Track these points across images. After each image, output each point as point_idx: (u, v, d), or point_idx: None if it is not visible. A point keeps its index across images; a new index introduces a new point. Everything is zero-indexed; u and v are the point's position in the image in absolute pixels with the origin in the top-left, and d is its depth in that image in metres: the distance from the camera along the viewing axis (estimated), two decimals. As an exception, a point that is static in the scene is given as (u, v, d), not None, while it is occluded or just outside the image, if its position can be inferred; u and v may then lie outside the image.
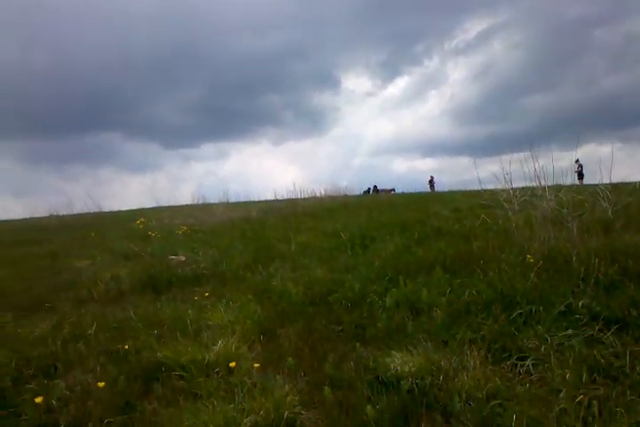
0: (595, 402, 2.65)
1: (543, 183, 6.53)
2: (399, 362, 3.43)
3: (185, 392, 3.34)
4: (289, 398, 3.05)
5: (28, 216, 20.39)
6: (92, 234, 12.10)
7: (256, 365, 3.55)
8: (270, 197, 21.60)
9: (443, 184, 31.53)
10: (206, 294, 5.70)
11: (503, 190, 6.99)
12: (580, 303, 3.96)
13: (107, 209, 19.96)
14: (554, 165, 6.42)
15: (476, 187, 9.31)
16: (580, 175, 19.01)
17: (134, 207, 23.28)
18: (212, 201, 20.44)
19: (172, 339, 4.19)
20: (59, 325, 4.91)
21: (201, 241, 9.93)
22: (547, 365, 3.22)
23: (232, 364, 3.54)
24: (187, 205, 20.74)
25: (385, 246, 7.17)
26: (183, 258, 7.95)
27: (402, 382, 3.15)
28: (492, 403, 2.83)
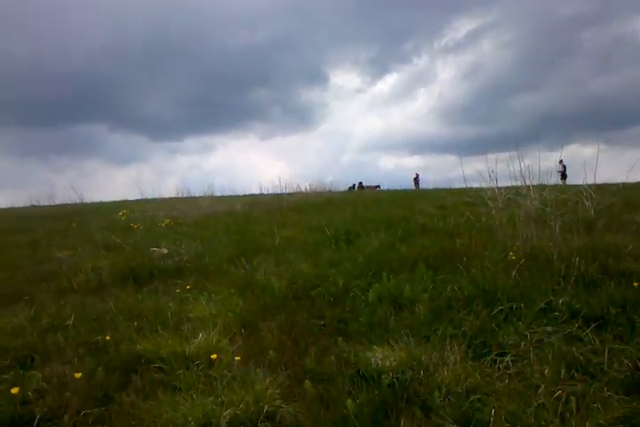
0: (572, 398, 2.67)
1: (528, 182, 6.58)
2: (380, 357, 3.43)
3: (164, 385, 3.30)
4: (269, 392, 3.03)
5: (9, 206, 20.13)
6: (74, 225, 11.96)
7: (237, 358, 3.53)
8: (256, 191, 21.59)
9: (428, 182, 31.67)
10: (188, 286, 5.65)
11: (488, 189, 7.02)
12: (561, 301, 4.01)
13: (89, 200, 19.75)
14: (540, 164, 6.49)
15: (462, 185, 9.37)
16: (563, 175, 19.23)
17: (118, 199, 23.10)
18: (196, 194, 20.38)
19: (153, 331, 4.15)
20: (37, 315, 4.84)
21: (184, 234, 9.85)
22: (526, 361, 3.25)
23: (213, 356, 3.52)
24: (171, 198, 20.59)
25: (369, 242, 7.17)
26: (165, 250, 7.87)
27: (382, 377, 3.15)
28: (472, 398, 2.84)
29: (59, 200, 18.65)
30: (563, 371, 3.01)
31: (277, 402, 2.98)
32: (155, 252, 7.79)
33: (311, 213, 11.96)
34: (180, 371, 3.41)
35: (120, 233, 9.53)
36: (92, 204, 19.47)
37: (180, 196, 20.90)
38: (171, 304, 4.97)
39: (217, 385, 3.15)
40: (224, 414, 2.80)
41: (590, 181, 6.50)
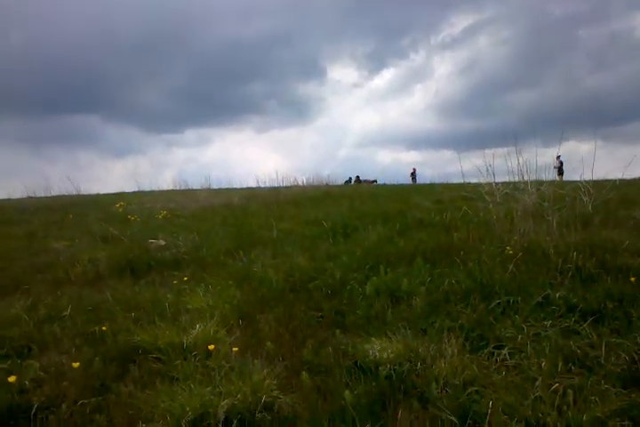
0: (570, 391, 2.69)
1: (526, 178, 6.58)
2: (378, 349, 3.44)
3: (162, 375, 3.31)
4: (267, 383, 3.04)
5: (5, 197, 20.03)
6: (71, 216, 11.91)
7: (234, 349, 3.53)
8: (253, 184, 21.54)
9: (425, 177, 31.66)
10: (185, 278, 5.64)
11: (485, 183, 7.03)
12: (558, 295, 4.03)
13: (86, 192, 19.67)
14: (537, 160, 6.50)
15: (459, 180, 9.37)
16: (560, 171, 19.24)
17: (115, 191, 23.01)
18: (194, 187, 20.29)
19: (150, 322, 4.15)
20: (34, 306, 4.83)
21: (181, 226, 9.83)
22: (523, 354, 3.26)
23: (210, 347, 3.52)
24: (168, 191, 20.51)
25: (367, 236, 7.17)
26: (163, 242, 7.86)
27: (380, 369, 3.16)
28: (469, 390, 2.86)
29: (55, 192, 18.55)
30: (560, 364, 3.03)
31: (275, 393, 2.98)
32: (152, 244, 7.77)
33: (308, 207, 11.95)
34: (178, 361, 3.41)
35: (117, 225, 9.50)
36: (89, 195, 19.38)
37: (177, 188, 20.83)
38: (168, 296, 4.96)
39: (215, 376, 3.15)
40: (222, 404, 2.80)
41: (587, 177, 6.52)
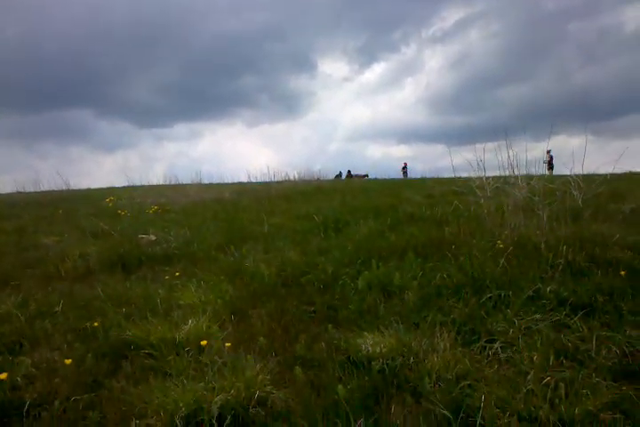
0: (561, 384, 2.71)
1: (516, 172, 6.60)
2: (370, 343, 3.45)
3: (154, 371, 3.30)
4: (260, 378, 3.04)
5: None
6: (60, 211, 11.83)
7: (227, 344, 3.52)
8: (244, 179, 21.52)
9: (416, 171, 31.70)
10: (177, 273, 5.63)
11: (476, 178, 7.04)
12: (549, 289, 4.06)
13: (76, 187, 19.52)
14: (527, 154, 6.52)
15: (450, 174, 9.37)
16: (551, 166, 19.33)
17: (105, 186, 22.87)
18: (184, 181, 20.24)
19: (142, 318, 4.13)
20: (25, 301, 4.80)
21: (172, 221, 9.79)
22: (515, 348, 3.29)
23: (203, 342, 3.52)
24: (159, 185, 20.41)
25: (358, 230, 7.18)
26: (153, 237, 7.82)
27: (373, 363, 3.17)
28: (462, 384, 2.87)
29: (45, 186, 18.42)
30: (551, 358, 3.05)
31: (268, 388, 2.98)
32: (143, 239, 7.74)
33: (299, 202, 11.93)
34: (171, 357, 3.40)
35: (107, 220, 9.44)
36: (79, 190, 19.22)
37: (167, 183, 20.75)
38: (160, 291, 4.94)
39: (207, 371, 3.14)
40: (215, 399, 2.80)
41: (577, 171, 6.55)
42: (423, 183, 15.72)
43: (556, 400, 2.60)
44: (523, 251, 5.01)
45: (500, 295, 4.07)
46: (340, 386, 2.92)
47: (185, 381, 3.02)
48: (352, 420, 2.63)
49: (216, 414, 2.72)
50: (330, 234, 7.19)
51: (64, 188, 17.67)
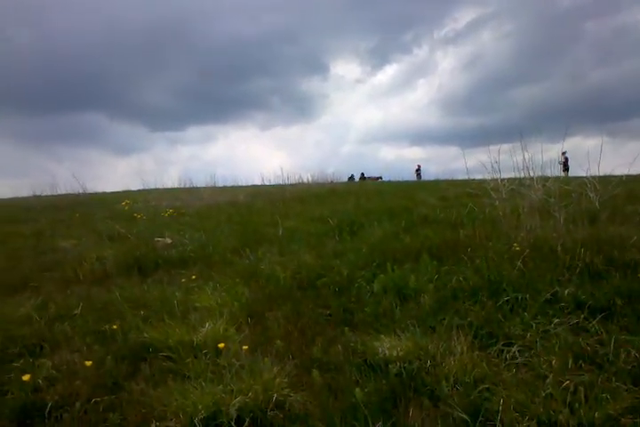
0: (580, 388, 2.69)
1: (531, 174, 6.58)
2: (387, 346, 3.45)
3: (173, 373, 3.32)
4: (277, 381, 3.05)
5: (12, 196, 20.09)
6: (77, 215, 11.96)
7: (244, 347, 3.54)
8: (258, 181, 21.60)
9: (430, 173, 31.66)
10: (193, 276, 5.67)
11: (491, 180, 7.02)
12: (566, 292, 4.03)
13: (92, 190, 19.70)
14: (542, 156, 6.49)
15: (463, 176, 9.34)
16: (566, 167, 19.18)
17: (120, 189, 23.08)
18: (198, 185, 20.31)
19: (159, 320, 4.17)
20: (44, 304, 4.87)
21: (187, 224, 9.86)
22: (533, 351, 3.27)
23: (220, 345, 3.54)
24: (173, 188, 20.54)
25: (373, 233, 7.19)
26: (169, 240, 7.90)
27: (390, 366, 3.18)
28: (480, 387, 2.86)
29: (61, 190, 18.61)
30: (570, 361, 3.03)
31: (286, 391, 3.00)
32: (159, 242, 7.81)
33: (314, 204, 11.97)
34: (189, 360, 3.43)
35: (124, 223, 9.54)
36: (95, 194, 19.44)
37: (182, 186, 20.86)
38: (177, 294, 4.98)
39: (225, 374, 3.16)
40: (233, 402, 2.82)
41: (593, 172, 6.50)
42: (437, 185, 15.69)
43: (576, 404, 2.58)
44: (539, 253, 4.97)
45: (516, 298, 4.05)
46: (357, 389, 2.93)
47: (203, 383, 3.04)
48: (370, 423, 2.64)
49: (234, 417, 2.73)
50: (344, 237, 7.21)
51: (80, 191, 17.84)
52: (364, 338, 3.70)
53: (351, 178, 31.71)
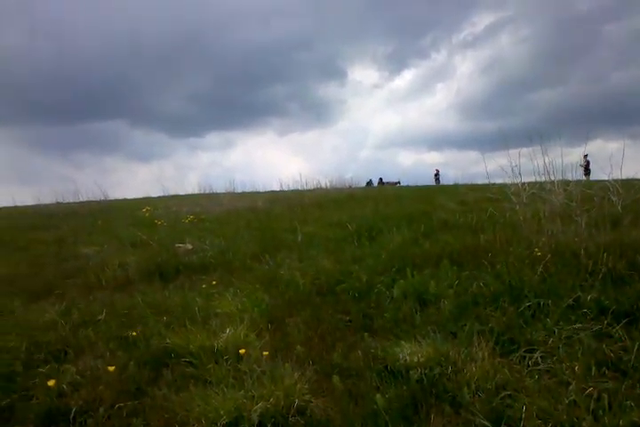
0: (604, 395, 2.66)
1: (552, 178, 6.51)
2: (408, 352, 3.44)
3: (195, 379, 3.36)
4: (298, 387, 3.07)
5: (34, 203, 20.42)
6: (99, 222, 12.12)
7: (265, 353, 3.57)
8: (276, 187, 21.69)
9: (449, 178, 31.45)
10: (214, 282, 5.72)
11: (511, 184, 6.96)
12: (589, 297, 3.97)
13: (113, 197, 19.95)
14: (562, 159, 6.41)
15: (483, 181, 9.26)
16: (587, 171, 18.91)
17: (141, 196, 23.31)
18: (218, 191, 20.47)
19: (181, 326, 4.21)
20: (68, 310, 4.95)
21: (207, 230, 9.95)
22: (555, 357, 3.23)
23: (241, 351, 3.57)
24: (193, 195, 20.72)
25: (392, 238, 7.17)
26: (190, 246, 7.97)
27: (411, 373, 3.17)
28: (502, 394, 2.84)
29: (83, 197, 18.85)
30: (593, 368, 2.99)
31: (307, 397, 3.01)
32: (180, 248, 7.89)
33: (332, 209, 11.98)
34: (210, 365, 3.46)
35: (145, 229, 9.65)
36: (116, 200, 19.68)
37: (202, 192, 21.03)
38: (197, 300, 5.03)
39: (247, 379, 3.18)
40: (255, 408, 2.84)
41: (615, 176, 6.41)
42: (456, 190, 15.59)
43: (600, 412, 2.55)
44: (561, 258, 4.91)
45: (538, 304, 4.01)
46: (378, 395, 2.93)
47: (225, 389, 3.07)
48: (391, 429, 2.64)
49: (256, 423, 2.76)
50: (363, 242, 7.21)
51: (101, 198, 18.08)
52: (385, 344, 3.70)
53: (369, 183, 31.66)
